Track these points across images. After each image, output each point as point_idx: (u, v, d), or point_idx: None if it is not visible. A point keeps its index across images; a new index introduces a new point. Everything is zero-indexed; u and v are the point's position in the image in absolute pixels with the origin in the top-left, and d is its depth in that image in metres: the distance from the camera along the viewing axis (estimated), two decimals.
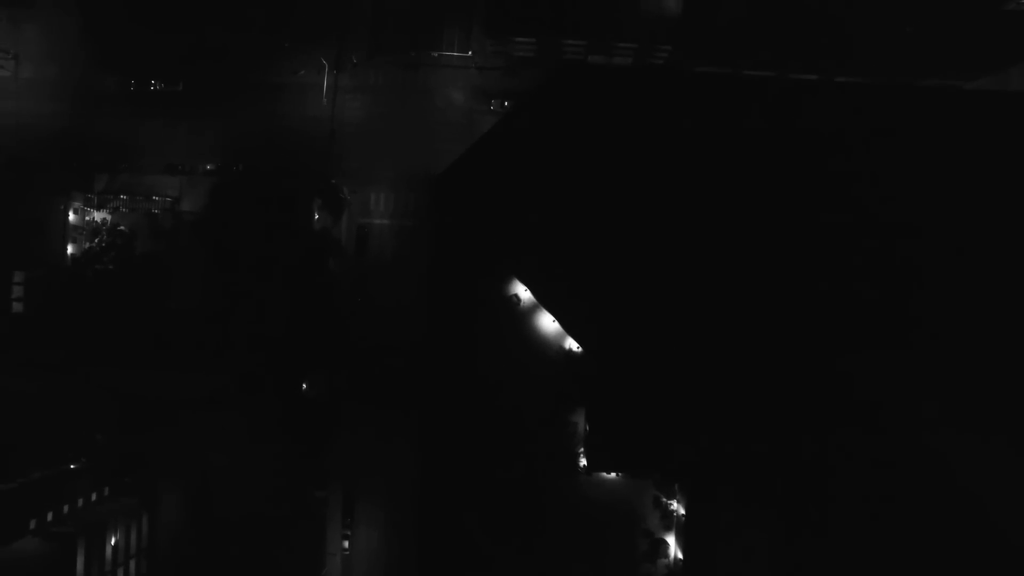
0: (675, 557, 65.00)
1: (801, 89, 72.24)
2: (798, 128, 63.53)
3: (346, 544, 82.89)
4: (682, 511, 64.11)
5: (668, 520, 65.83)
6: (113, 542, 75.62)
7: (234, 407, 76.02)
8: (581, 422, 64.72)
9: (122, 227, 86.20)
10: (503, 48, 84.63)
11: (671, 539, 65.52)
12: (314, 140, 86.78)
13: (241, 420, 77.46)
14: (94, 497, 78.65)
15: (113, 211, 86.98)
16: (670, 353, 60.08)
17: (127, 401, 78.17)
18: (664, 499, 65.45)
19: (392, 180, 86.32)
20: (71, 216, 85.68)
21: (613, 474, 64.45)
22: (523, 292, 65.83)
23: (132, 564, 78.45)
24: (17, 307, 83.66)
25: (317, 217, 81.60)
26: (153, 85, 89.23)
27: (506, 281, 65.20)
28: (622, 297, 60.02)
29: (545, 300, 63.63)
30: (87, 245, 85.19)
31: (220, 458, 79.52)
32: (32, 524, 68.78)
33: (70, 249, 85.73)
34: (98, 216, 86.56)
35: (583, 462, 64.77)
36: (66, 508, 73.65)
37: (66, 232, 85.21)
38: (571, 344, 64.79)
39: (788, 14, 79.79)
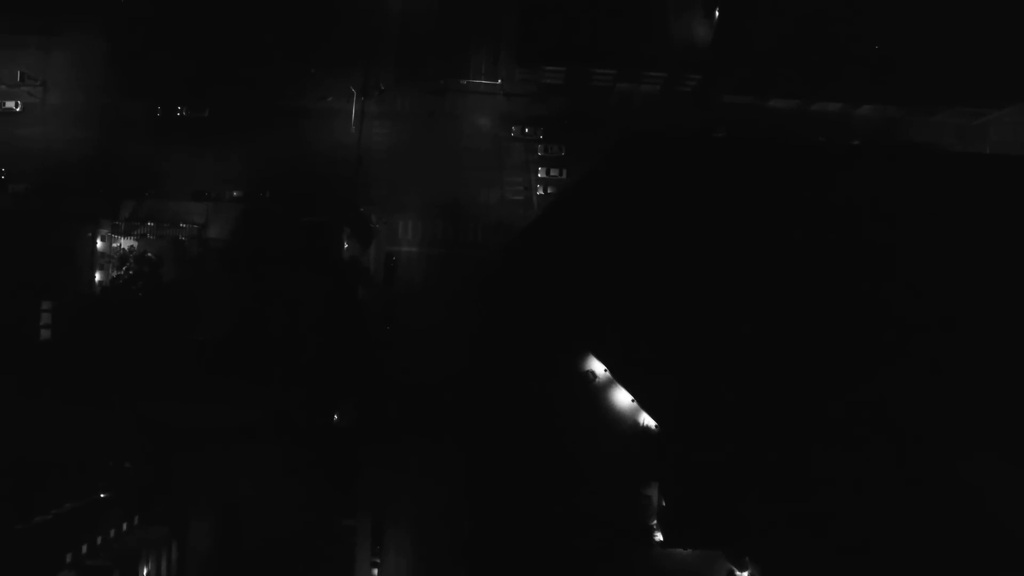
0: None
1: (850, 155, 71.55)
2: (848, 195, 63.26)
3: (375, 572, 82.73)
4: None
5: None
6: (145, 572, 75.47)
7: (265, 439, 75.81)
8: (656, 496, 64.87)
9: (149, 254, 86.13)
10: (532, 76, 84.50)
11: None
12: (341, 166, 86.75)
13: (271, 449, 77.35)
14: (125, 527, 78.42)
15: (139, 238, 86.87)
16: (747, 430, 59.37)
17: (155, 430, 77.95)
18: (736, 571, 65.38)
19: (420, 207, 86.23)
20: (98, 243, 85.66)
21: None
22: (599, 368, 65.58)
23: None
24: (45, 334, 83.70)
25: (347, 247, 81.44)
26: (179, 111, 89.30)
27: (582, 357, 65.00)
28: (700, 376, 59.72)
29: (622, 377, 63.37)
30: (114, 273, 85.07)
31: (249, 487, 79.43)
32: (68, 558, 68.58)
33: (98, 276, 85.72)
34: (125, 243, 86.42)
35: (658, 536, 64.84)
36: (99, 539, 73.42)
37: (94, 260, 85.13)
38: (646, 419, 64.95)
39: (816, 44, 79.48)
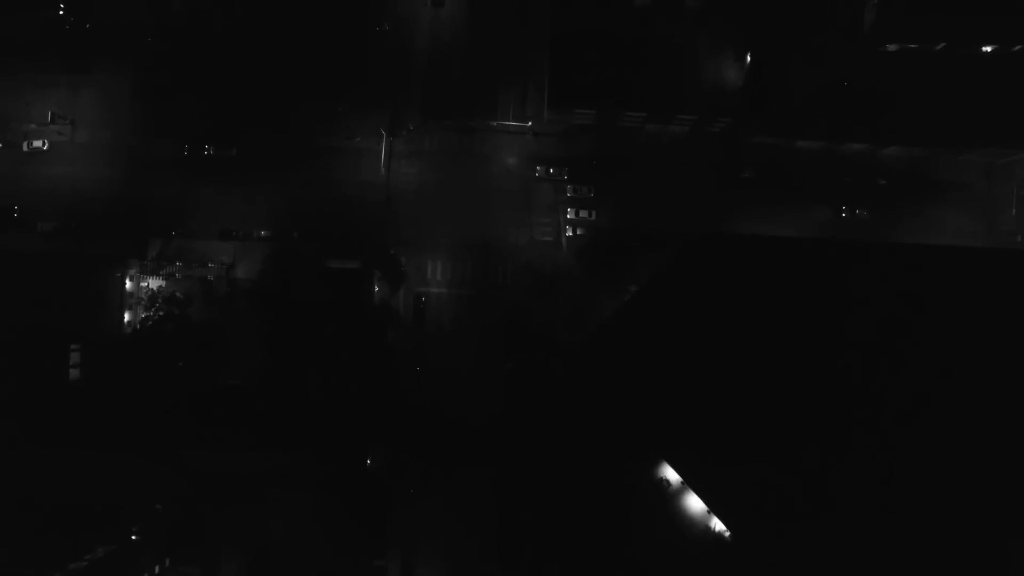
0: None
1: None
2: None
3: None
4: None
5: None
6: None
7: (296, 483, 75.88)
8: None
9: (177, 294, 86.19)
10: (561, 116, 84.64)
11: None
12: (370, 206, 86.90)
13: (302, 494, 77.41)
14: (157, 569, 78.68)
15: (167, 277, 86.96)
16: (824, 541, 58.72)
17: (187, 474, 77.98)
18: None
19: (449, 248, 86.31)
20: (127, 284, 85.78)
21: None
22: (672, 475, 65.60)
23: None
24: (74, 373, 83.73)
25: (377, 290, 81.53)
26: (206, 150, 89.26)
27: (656, 464, 64.86)
28: (774, 485, 59.29)
29: (697, 486, 62.70)
30: (143, 314, 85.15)
31: (280, 529, 79.47)
32: None
33: (127, 317, 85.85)
34: (153, 283, 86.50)
35: None
36: None
37: (123, 300, 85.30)
38: (719, 526, 64.11)
39: (846, 88, 79.58)
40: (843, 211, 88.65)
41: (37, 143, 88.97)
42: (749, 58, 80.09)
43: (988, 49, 55.20)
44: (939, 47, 53.43)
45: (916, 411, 58.28)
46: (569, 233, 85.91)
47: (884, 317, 60.85)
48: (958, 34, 53.81)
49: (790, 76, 76.89)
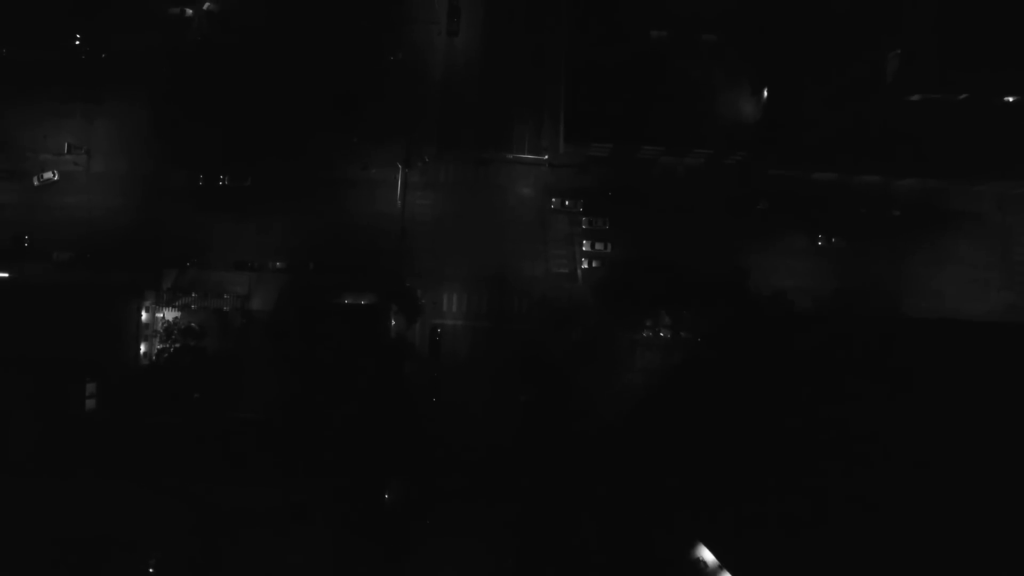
0: None
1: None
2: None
3: None
4: None
5: None
6: None
7: (315, 519, 75.87)
8: None
9: (193, 324, 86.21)
10: (578, 149, 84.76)
11: None
12: (385, 238, 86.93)
13: (320, 527, 77.39)
14: None
15: (183, 308, 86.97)
16: None
17: (205, 510, 77.95)
18: None
19: (464, 280, 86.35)
20: (143, 315, 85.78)
21: None
22: (708, 556, 64.91)
23: None
24: (90, 404, 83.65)
25: (393, 323, 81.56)
26: (221, 180, 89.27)
27: (692, 545, 64.66)
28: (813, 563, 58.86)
29: (733, 566, 62.05)
30: (159, 346, 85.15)
31: (297, 561, 79.38)
32: None
33: (142, 348, 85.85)
34: (169, 315, 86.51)
35: None
36: None
37: (139, 332, 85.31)
38: None
39: (862, 122, 79.66)
40: (819, 239, 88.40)
41: (47, 175, 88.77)
42: (766, 93, 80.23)
43: (1011, 99, 55.41)
44: (962, 97, 53.68)
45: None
46: (584, 265, 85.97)
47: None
48: (982, 87, 53.98)
49: (806, 112, 76.87)
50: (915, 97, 55.22)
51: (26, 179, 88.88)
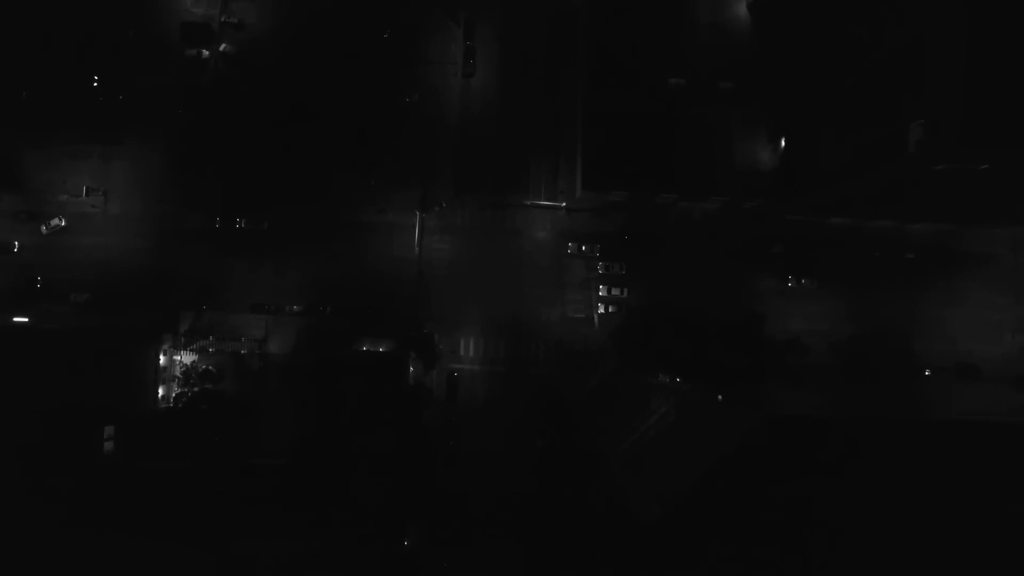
0: None
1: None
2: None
3: None
4: None
5: None
6: None
7: (335, 565, 76.25)
8: None
9: (210, 367, 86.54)
10: (596, 194, 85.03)
11: None
12: (401, 282, 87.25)
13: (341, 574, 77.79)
14: None
15: (200, 351, 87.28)
16: None
17: (223, 559, 78.24)
18: None
19: (481, 324, 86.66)
20: (161, 359, 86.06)
21: None
22: None
23: None
24: (108, 447, 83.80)
25: (412, 370, 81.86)
26: (238, 223, 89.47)
27: None
28: None
29: None
30: (177, 390, 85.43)
31: None
32: None
33: (160, 391, 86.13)
34: (186, 358, 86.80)
35: None
36: None
37: (157, 376, 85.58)
38: None
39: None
40: (789, 280, 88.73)
41: (55, 221, 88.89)
42: (783, 143, 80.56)
43: None
44: (983, 167, 54.20)
45: None
46: (601, 310, 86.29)
47: None
48: (1006, 161, 54.35)
49: (823, 165, 77.18)
50: (938, 167, 55.72)
51: (41, 222, 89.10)
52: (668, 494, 71.32)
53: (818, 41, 75.38)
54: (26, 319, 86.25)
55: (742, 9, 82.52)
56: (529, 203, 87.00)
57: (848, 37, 70.94)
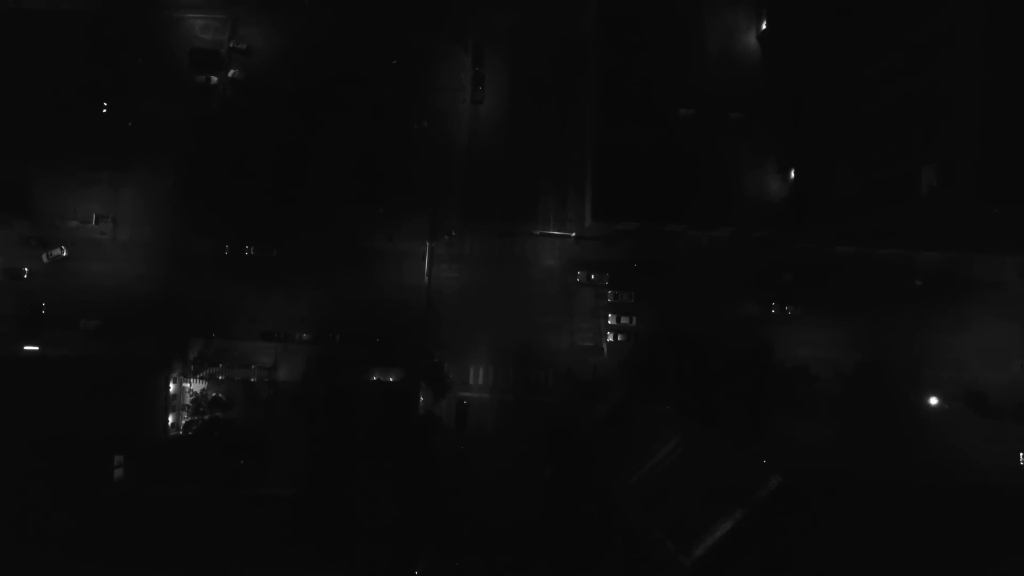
0: None
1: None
2: None
3: None
4: None
5: None
6: None
7: None
8: None
9: (220, 395, 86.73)
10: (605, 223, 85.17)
11: None
12: (411, 310, 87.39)
13: None
14: None
15: (209, 378, 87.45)
16: None
17: None
18: None
19: (490, 352, 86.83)
20: (170, 386, 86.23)
21: None
22: None
23: None
24: (119, 474, 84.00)
25: (422, 400, 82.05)
26: (247, 250, 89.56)
27: None
28: None
29: None
30: (187, 418, 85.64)
31: None
32: None
33: (170, 419, 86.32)
34: (196, 386, 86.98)
35: None
36: None
37: (167, 404, 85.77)
38: None
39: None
40: (772, 307, 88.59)
41: (56, 251, 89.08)
42: (793, 174, 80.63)
43: None
44: (995, 212, 54.37)
45: None
46: (610, 339, 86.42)
47: None
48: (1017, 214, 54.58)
49: (834, 195, 77.30)
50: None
51: (48, 248, 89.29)
52: (681, 534, 71.79)
53: (829, 77, 75.41)
54: (36, 347, 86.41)
55: (752, 39, 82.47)
56: (538, 233, 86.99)
57: (860, 77, 71.06)
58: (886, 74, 65.73)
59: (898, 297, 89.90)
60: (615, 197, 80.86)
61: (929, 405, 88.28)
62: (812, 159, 78.77)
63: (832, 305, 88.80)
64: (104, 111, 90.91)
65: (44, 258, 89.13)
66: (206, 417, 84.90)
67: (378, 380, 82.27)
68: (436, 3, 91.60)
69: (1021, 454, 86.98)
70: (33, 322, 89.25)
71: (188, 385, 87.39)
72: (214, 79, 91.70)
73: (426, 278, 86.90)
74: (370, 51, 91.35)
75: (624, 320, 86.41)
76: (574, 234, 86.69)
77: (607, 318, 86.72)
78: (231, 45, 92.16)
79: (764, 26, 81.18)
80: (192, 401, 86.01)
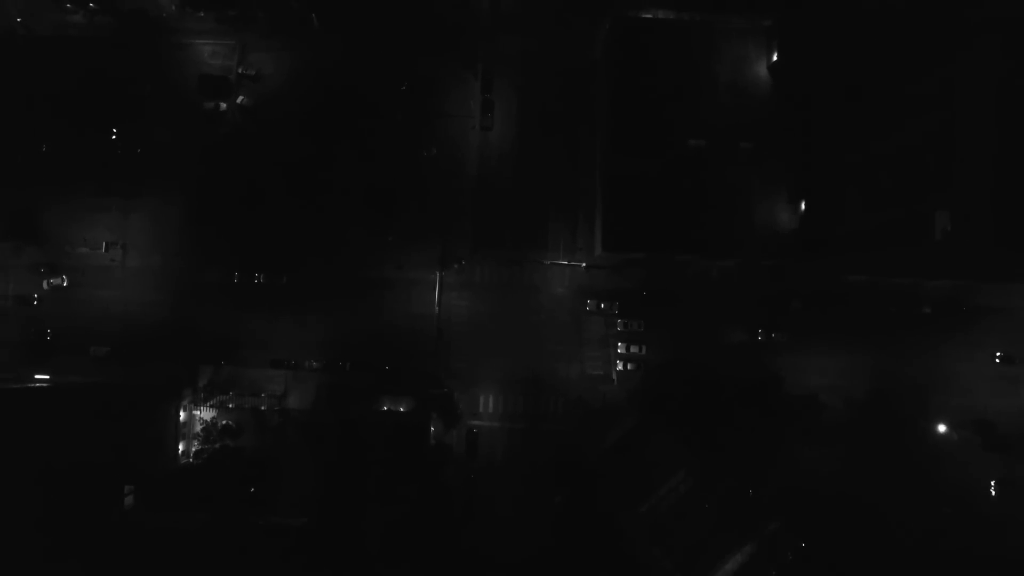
0: None
1: None
2: None
3: None
4: None
5: None
6: None
7: None
8: None
9: (230, 422, 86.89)
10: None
11: None
12: (421, 338, 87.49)
13: None
14: None
15: (219, 406, 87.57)
16: None
17: None
18: None
19: (500, 381, 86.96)
20: (180, 414, 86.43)
21: None
22: None
23: None
24: (129, 501, 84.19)
25: (433, 430, 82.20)
26: (256, 278, 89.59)
27: None
28: None
29: None
30: (197, 446, 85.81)
31: None
32: None
33: (180, 447, 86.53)
34: (206, 414, 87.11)
35: None
36: None
37: (177, 432, 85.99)
38: None
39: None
40: (759, 334, 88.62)
41: (55, 280, 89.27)
42: (803, 205, 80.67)
43: None
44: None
45: None
46: (619, 367, 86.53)
47: None
48: None
49: (846, 226, 77.40)
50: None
51: (54, 275, 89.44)
52: (690, 567, 72.17)
53: (840, 111, 75.40)
54: (47, 377, 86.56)
55: (763, 70, 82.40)
56: (548, 263, 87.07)
57: (872, 113, 71.08)
58: (897, 116, 65.77)
59: (907, 324, 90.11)
60: (625, 228, 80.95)
61: (938, 432, 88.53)
62: (822, 191, 78.77)
63: (841, 332, 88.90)
64: (113, 138, 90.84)
65: (44, 284, 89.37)
66: (216, 445, 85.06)
67: (389, 411, 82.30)
68: (446, 29, 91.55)
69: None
70: (40, 348, 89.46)
71: (198, 413, 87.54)
72: (223, 105, 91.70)
73: (436, 307, 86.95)
74: (379, 77, 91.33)
75: (634, 349, 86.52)
76: (584, 264, 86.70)
77: (617, 347, 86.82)
78: (240, 71, 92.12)
79: (775, 57, 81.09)
80: (203, 429, 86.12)
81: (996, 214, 52.19)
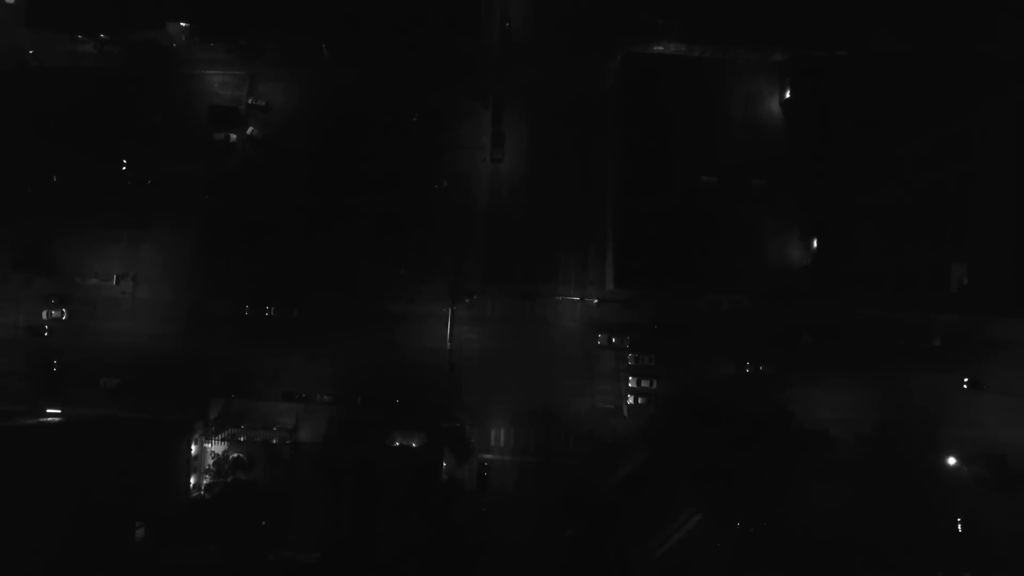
0: None
1: None
2: None
3: None
4: None
5: None
6: None
7: None
8: None
9: (240, 455, 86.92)
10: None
11: None
12: (432, 371, 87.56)
13: None
14: None
15: (230, 439, 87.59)
16: None
17: None
18: None
19: (511, 414, 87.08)
20: (192, 448, 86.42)
21: None
22: None
23: None
24: (140, 534, 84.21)
25: (444, 464, 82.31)
26: (267, 311, 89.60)
27: None
28: None
29: None
30: (207, 480, 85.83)
31: None
32: None
33: (192, 480, 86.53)
34: (217, 447, 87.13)
35: None
36: None
37: (189, 467, 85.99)
38: None
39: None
40: (747, 367, 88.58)
41: (55, 312, 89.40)
42: (815, 243, 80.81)
43: None
44: None
45: None
46: (631, 401, 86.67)
47: None
48: None
49: (855, 269, 77.57)
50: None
51: (52, 309, 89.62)
52: None
53: (854, 153, 75.51)
54: (59, 411, 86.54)
55: (775, 106, 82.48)
56: (560, 299, 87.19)
57: (885, 156, 71.15)
58: (913, 162, 65.82)
59: (916, 357, 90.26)
60: (637, 264, 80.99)
61: (948, 465, 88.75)
62: (835, 230, 78.93)
63: (851, 366, 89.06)
64: (124, 168, 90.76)
65: (44, 315, 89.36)
66: (228, 479, 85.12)
67: (401, 446, 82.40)
68: (456, 61, 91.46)
69: None
70: (48, 379, 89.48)
71: (209, 446, 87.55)
72: (233, 136, 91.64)
73: (448, 341, 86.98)
74: (389, 109, 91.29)
75: (645, 383, 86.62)
76: (595, 300, 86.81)
77: (628, 381, 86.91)
78: (250, 102, 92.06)
79: (788, 94, 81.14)
80: (214, 463, 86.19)
81: (1017, 273, 52.19)
